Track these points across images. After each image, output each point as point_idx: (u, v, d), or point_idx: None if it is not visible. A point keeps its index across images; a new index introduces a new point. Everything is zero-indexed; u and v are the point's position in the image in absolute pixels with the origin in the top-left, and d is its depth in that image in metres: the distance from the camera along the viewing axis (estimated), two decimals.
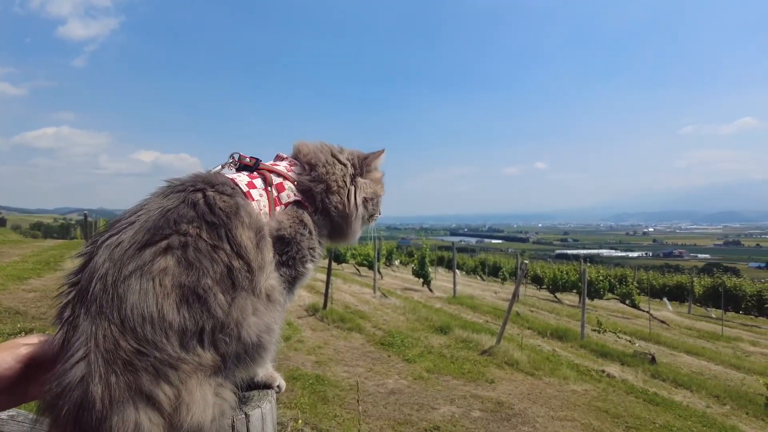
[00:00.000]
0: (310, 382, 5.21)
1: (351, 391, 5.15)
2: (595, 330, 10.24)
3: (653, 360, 8.70)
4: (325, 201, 1.59)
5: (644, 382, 7.41)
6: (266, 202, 1.44)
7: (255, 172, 1.51)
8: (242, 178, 1.44)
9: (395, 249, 32.51)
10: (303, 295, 9.99)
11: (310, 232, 1.51)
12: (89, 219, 19.75)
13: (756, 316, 21.62)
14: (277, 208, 1.46)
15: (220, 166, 1.52)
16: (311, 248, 1.51)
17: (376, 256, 15.14)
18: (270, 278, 1.29)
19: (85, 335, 1.01)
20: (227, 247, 1.18)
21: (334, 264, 12.22)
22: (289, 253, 1.43)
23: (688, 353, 11.12)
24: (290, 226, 1.45)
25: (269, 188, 1.47)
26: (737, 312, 22.26)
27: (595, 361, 8.47)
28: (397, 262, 31.17)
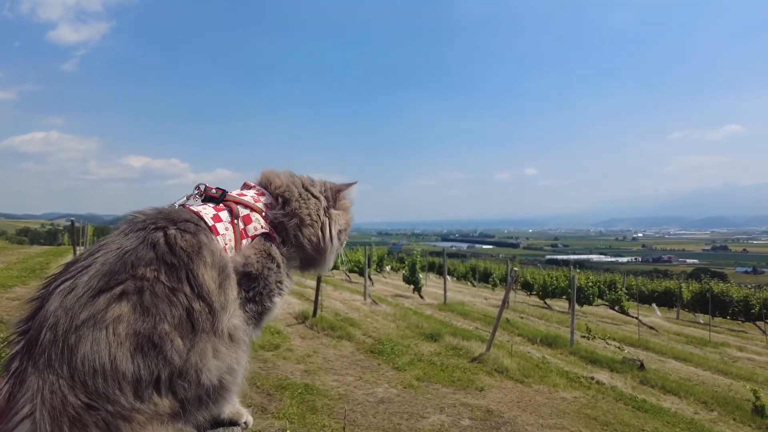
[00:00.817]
0: (299, 391, 5.17)
1: (340, 401, 5.12)
2: (584, 336, 10.28)
3: (642, 366, 8.74)
4: (299, 235, 1.56)
5: (633, 389, 7.44)
6: (232, 236, 1.40)
7: (221, 204, 1.47)
8: (208, 211, 1.40)
9: (386, 255, 32.45)
10: (292, 303, 9.93)
11: (278, 266, 1.48)
12: (77, 225, 20.19)
13: (742, 322, 21.77)
14: (244, 241, 1.43)
15: (185, 198, 1.48)
16: (279, 282, 1.48)
17: (366, 262, 15.13)
18: (233, 317, 1.27)
19: (32, 391, 0.98)
20: (187, 289, 1.15)
21: None
22: (255, 289, 1.40)
23: (677, 359, 11.19)
24: (257, 261, 1.42)
25: (235, 221, 1.43)
26: (724, 317, 22.37)
27: (585, 368, 8.49)
28: (388, 268, 31.13)
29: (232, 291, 1.29)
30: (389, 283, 24.46)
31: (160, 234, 1.21)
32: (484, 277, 33.96)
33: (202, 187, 1.52)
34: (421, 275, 17.86)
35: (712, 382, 9.21)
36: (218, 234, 1.36)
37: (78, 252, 8.36)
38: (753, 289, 22.43)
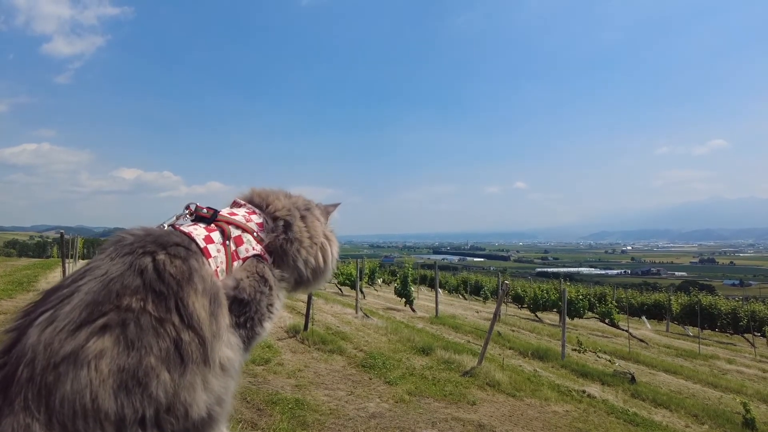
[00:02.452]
0: (290, 406, 5.12)
1: (331, 416, 5.07)
2: (575, 349, 10.30)
3: (633, 379, 8.75)
4: (298, 257, 1.55)
5: (624, 402, 7.43)
6: (224, 258, 1.37)
7: (213, 224, 1.43)
8: (199, 232, 1.36)
9: (378, 267, 32.42)
10: (284, 316, 9.87)
11: (270, 288, 1.44)
12: (66, 237, 20.11)
13: (731, 334, 21.96)
14: (235, 263, 1.40)
15: (174, 218, 1.45)
16: (270, 305, 1.44)
17: (358, 275, 15.09)
18: (225, 346, 1.23)
19: None
20: (176, 319, 1.10)
21: None
22: (247, 314, 1.36)
23: (667, 372, 11.23)
24: (249, 285, 1.38)
25: (227, 242, 1.40)
26: (713, 330, 22.57)
27: (576, 381, 8.48)
28: (379, 281, 31.07)
29: (224, 318, 1.26)
30: (381, 296, 24.39)
31: (149, 259, 1.16)
32: (476, 290, 34.01)
33: (193, 207, 1.48)
34: (412, 288, 17.85)
35: (702, 395, 9.23)
36: (210, 256, 1.32)
37: (67, 265, 8.27)
38: (741, 302, 22.72)
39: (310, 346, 7.86)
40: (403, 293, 17.51)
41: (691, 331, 22.59)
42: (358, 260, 18.56)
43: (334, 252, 1.66)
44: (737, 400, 7.58)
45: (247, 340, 1.37)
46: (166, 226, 1.38)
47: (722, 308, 21.83)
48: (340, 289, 22.22)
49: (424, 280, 36.71)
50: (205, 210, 1.47)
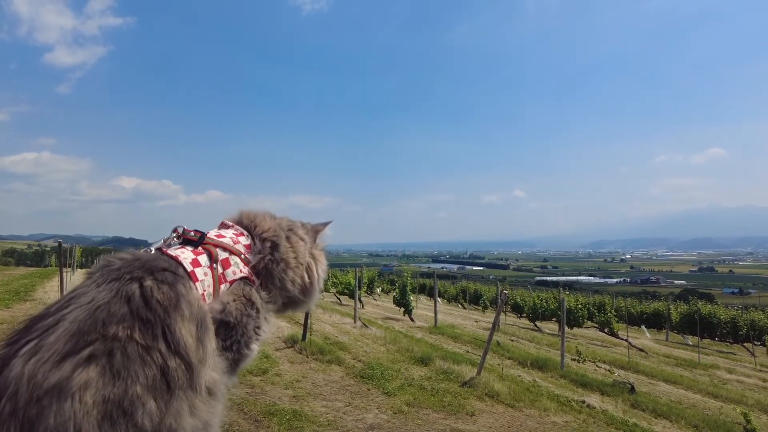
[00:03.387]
0: (287, 417, 5.09)
1: (329, 427, 5.04)
2: (575, 359, 10.25)
3: (632, 389, 8.70)
4: (284, 278, 1.56)
5: (624, 413, 7.37)
6: (211, 281, 1.37)
7: (200, 247, 1.43)
8: (186, 255, 1.37)
9: (377, 276, 32.36)
10: (282, 326, 9.84)
11: (257, 311, 1.45)
12: (64, 246, 20.08)
13: (731, 343, 21.87)
14: (222, 286, 1.40)
15: (162, 241, 1.45)
16: (257, 327, 1.45)
17: (357, 284, 15.06)
18: (212, 371, 1.23)
19: None
20: (163, 346, 1.09)
21: None
22: (233, 338, 1.37)
23: (667, 382, 11.17)
24: (236, 309, 1.39)
25: (214, 265, 1.40)
26: (713, 339, 22.49)
27: (576, 391, 8.43)
28: (378, 290, 30.99)
29: (210, 342, 1.26)
30: (380, 305, 24.33)
31: (136, 286, 1.15)
32: (475, 299, 33.94)
33: (181, 230, 1.48)
34: (411, 297, 17.81)
35: (702, 405, 9.17)
36: (197, 280, 1.32)
37: (65, 274, 8.25)
38: (740, 311, 22.69)
39: (308, 357, 7.83)
40: (402, 303, 17.46)
41: (691, 340, 22.52)
42: (357, 269, 18.50)
43: (320, 271, 1.67)
44: (738, 410, 7.54)
45: (234, 363, 1.38)
46: (153, 249, 1.38)
47: (722, 317, 21.76)
48: (338, 299, 22.16)
49: (423, 289, 36.65)
50: (192, 233, 1.47)
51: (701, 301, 25.01)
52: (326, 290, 24.04)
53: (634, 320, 26.01)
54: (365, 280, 24.42)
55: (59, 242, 9.17)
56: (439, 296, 27.58)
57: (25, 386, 0.96)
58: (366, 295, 26.54)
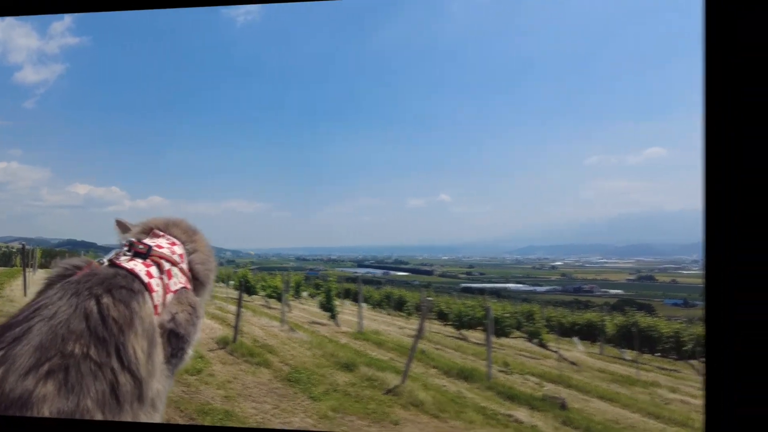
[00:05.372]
0: (220, 417, 5.32)
1: (258, 429, 5.31)
2: (502, 371, 10.13)
3: (564, 405, 8.35)
4: (206, 279, 1.71)
5: (555, 429, 7.26)
6: (162, 292, 1.45)
7: (149, 259, 1.50)
8: (140, 268, 1.43)
9: (303, 280, 32.25)
10: (214, 327, 9.85)
11: (198, 317, 1.53)
12: (27, 248, 19.48)
13: (675, 360, 19.90)
14: (168, 296, 1.48)
15: (114, 253, 1.51)
16: (196, 331, 1.53)
17: (284, 288, 15.09)
18: (157, 382, 1.32)
19: None
20: (116, 363, 1.16)
21: (244, 296, 12.13)
22: (179, 345, 1.44)
23: (602, 398, 10.46)
24: (185, 320, 1.47)
25: (163, 276, 1.48)
26: (653, 354, 20.56)
27: (503, 405, 8.19)
28: (305, 294, 30.81)
29: (159, 356, 1.34)
30: (306, 309, 24.24)
31: (93, 303, 1.21)
32: (399, 306, 34.10)
33: (130, 243, 1.54)
34: (337, 302, 17.88)
35: (642, 425, 8.78)
36: (153, 291, 1.39)
37: (27, 274, 8.11)
38: (685, 324, 21.09)
39: (238, 358, 7.96)
40: (328, 307, 17.53)
41: (629, 354, 20.44)
42: (284, 273, 18.50)
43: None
44: None
45: (176, 367, 1.48)
46: (105, 261, 1.45)
47: (663, 330, 19.99)
48: (267, 302, 22.00)
49: (348, 294, 36.58)
50: (141, 246, 1.53)
51: (639, 313, 23.34)
52: (255, 293, 23.72)
53: (566, 331, 23.94)
54: (292, 284, 24.39)
55: (23, 245, 8.93)
56: (363, 302, 27.75)
57: None
58: (293, 299, 26.44)
